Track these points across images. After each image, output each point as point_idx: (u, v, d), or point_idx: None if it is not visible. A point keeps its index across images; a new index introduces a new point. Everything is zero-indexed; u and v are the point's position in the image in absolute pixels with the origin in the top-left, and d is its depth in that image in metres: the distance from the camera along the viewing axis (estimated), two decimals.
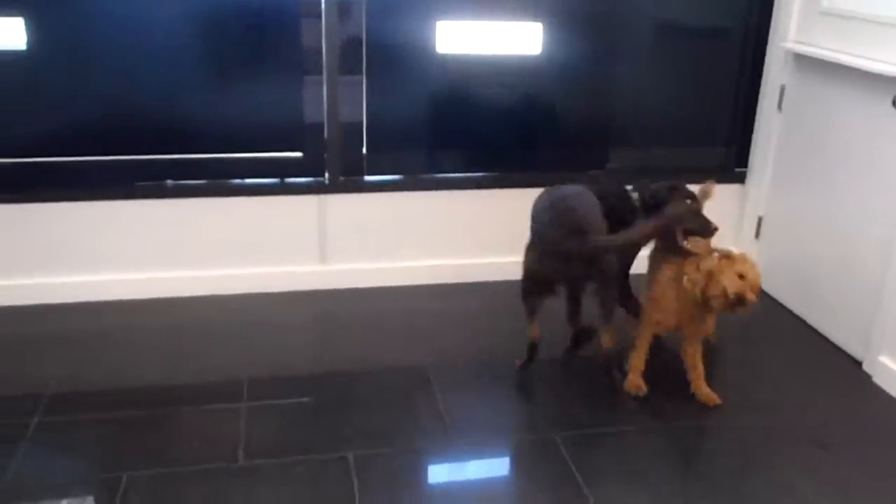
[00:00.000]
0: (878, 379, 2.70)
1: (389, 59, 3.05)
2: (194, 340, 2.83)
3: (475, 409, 2.49)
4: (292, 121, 3.04)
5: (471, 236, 3.28)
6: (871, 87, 2.71)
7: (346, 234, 3.18)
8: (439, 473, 2.25)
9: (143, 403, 2.44)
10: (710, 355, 2.76)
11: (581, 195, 2.47)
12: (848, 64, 2.74)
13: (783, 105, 3.20)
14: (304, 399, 2.49)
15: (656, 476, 2.22)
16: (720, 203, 2.91)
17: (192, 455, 2.21)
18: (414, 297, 3.20)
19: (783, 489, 2.18)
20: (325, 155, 3.08)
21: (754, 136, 3.38)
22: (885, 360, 2.68)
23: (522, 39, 3.11)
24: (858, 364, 2.82)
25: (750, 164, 3.40)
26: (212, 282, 3.10)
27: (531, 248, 2.52)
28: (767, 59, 3.27)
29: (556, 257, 2.42)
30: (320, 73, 2.98)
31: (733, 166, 3.46)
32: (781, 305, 3.21)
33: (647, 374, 2.62)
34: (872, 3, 2.73)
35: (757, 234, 3.38)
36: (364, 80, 3.03)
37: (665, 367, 2.70)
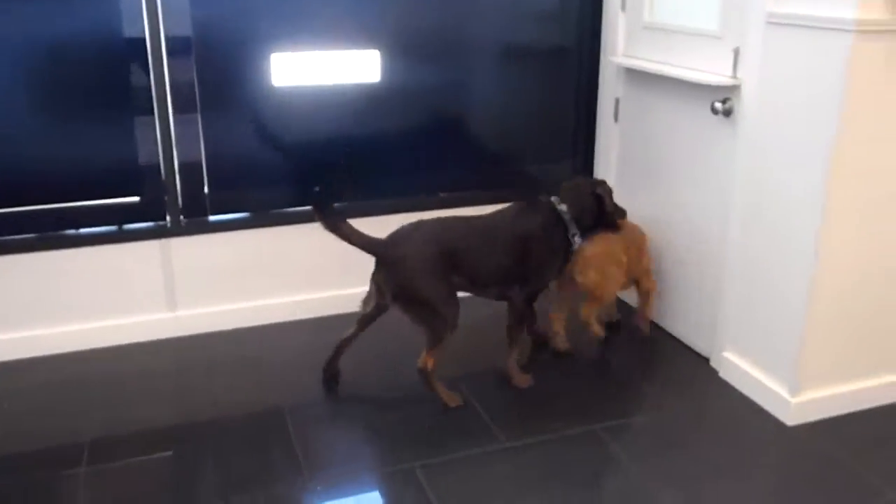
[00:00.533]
0: (724, 374, 2.81)
1: (224, 94, 2.97)
2: (30, 403, 2.65)
3: (331, 446, 2.44)
4: (126, 164, 2.91)
5: (322, 270, 3.22)
6: (692, 96, 2.84)
7: (193, 277, 3.06)
8: None
9: None
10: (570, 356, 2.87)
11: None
12: (668, 74, 2.86)
13: (619, 116, 3.31)
14: (151, 456, 2.38)
15: (514, 495, 2.22)
16: None
17: None
18: (269, 336, 3.11)
19: (640, 495, 2.23)
20: (165, 197, 2.97)
21: (596, 147, 3.48)
22: (728, 355, 2.79)
23: (360, 68, 3.10)
24: (706, 360, 2.93)
25: (595, 174, 3.50)
26: (50, 340, 2.92)
27: None
28: (602, 73, 3.38)
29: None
30: (152, 112, 2.88)
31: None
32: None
33: (496, 392, 2.65)
34: (688, 16, 2.87)
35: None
36: (199, 118, 2.95)
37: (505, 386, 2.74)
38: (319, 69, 3.05)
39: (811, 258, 2.39)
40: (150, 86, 2.84)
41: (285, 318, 3.19)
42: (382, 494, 2.25)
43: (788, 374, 2.53)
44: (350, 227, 2.56)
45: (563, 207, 2.70)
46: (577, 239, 2.72)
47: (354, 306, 3.16)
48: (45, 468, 2.31)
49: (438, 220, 2.64)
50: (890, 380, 2.63)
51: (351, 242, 2.55)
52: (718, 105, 2.68)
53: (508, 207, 2.75)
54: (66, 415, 2.58)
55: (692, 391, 2.77)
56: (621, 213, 2.88)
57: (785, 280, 2.51)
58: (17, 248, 2.83)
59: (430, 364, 2.58)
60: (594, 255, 2.82)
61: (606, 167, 3.40)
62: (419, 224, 2.62)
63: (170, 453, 2.40)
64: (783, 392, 2.55)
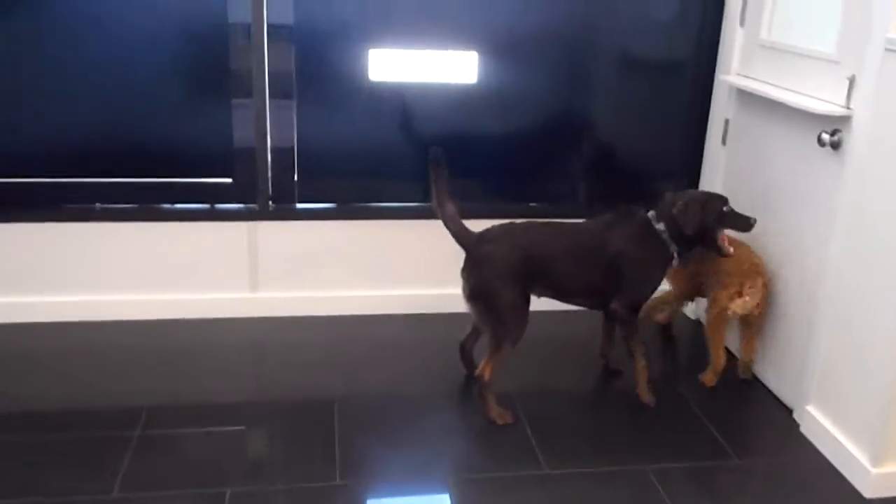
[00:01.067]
0: (805, 429, 2.57)
1: (321, 84, 3.01)
2: (103, 364, 2.80)
3: (370, 447, 2.42)
4: (222, 146, 3.01)
5: (404, 267, 3.22)
6: (801, 124, 2.61)
7: (277, 261, 3.14)
8: None
9: (37, 427, 2.42)
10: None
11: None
12: (776, 98, 2.64)
13: (727, 139, 3.09)
14: (200, 429, 2.45)
15: None
16: None
17: (65, 485, 2.17)
18: (342, 328, 3.14)
19: None
20: (256, 181, 3.05)
21: (702, 170, 3.27)
22: (812, 409, 2.55)
23: (458, 68, 3.06)
24: (789, 412, 2.69)
25: None
26: (139, 306, 3.08)
27: None
28: (714, 92, 3.17)
29: None
30: (250, 96, 2.96)
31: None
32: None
33: (551, 415, 2.58)
34: (806, 36, 2.64)
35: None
36: (294, 106, 3.01)
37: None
38: (416, 67, 3.04)
39: None
40: (250, 70, 2.93)
41: (361, 312, 3.21)
42: (407, 502, 2.21)
43: (871, 441, 2.28)
44: (455, 207, 2.57)
45: (660, 226, 2.60)
46: (676, 256, 2.63)
47: (431, 307, 3.19)
48: (100, 428, 2.43)
49: (529, 224, 2.60)
50: None
51: (446, 222, 2.56)
52: (826, 136, 2.44)
53: (602, 218, 2.66)
54: (133, 379, 2.71)
55: (766, 443, 2.55)
56: (740, 221, 2.65)
57: (875, 336, 2.25)
58: (117, 216, 3.01)
59: (487, 373, 2.51)
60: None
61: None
62: (510, 227, 2.59)
63: (218, 429, 2.46)
64: (864, 460, 2.30)
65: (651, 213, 2.64)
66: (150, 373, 2.76)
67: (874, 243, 2.27)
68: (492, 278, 2.49)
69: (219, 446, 2.38)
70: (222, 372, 2.80)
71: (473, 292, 2.52)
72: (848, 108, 2.38)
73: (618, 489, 2.27)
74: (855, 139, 2.34)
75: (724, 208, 2.63)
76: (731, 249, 2.65)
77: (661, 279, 2.71)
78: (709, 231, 2.61)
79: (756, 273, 2.71)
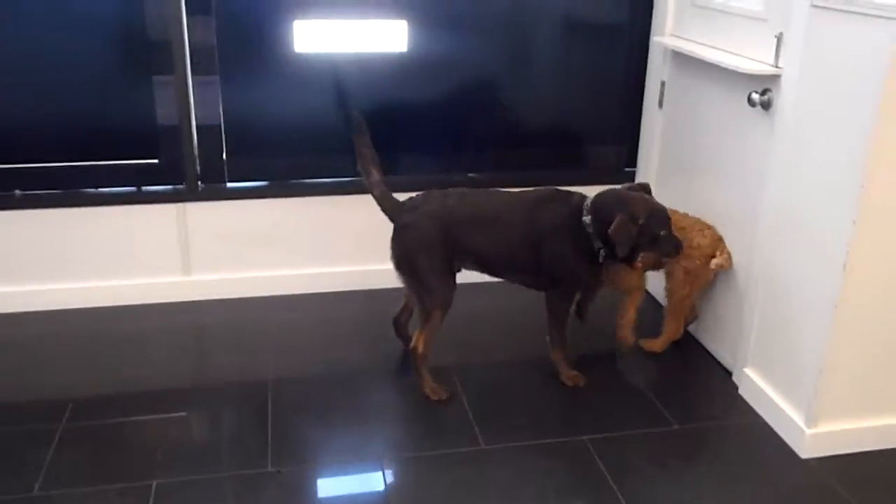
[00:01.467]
0: (744, 391, 2.56)
1: (245, 58, 2.91)
2: (29, 356, 2.71)
3: (304, 429, 2.36)
4: (145, 125, 2.90)
5: (340, 244, 3.15)
6: (732, 84, 2.57)
7: (209, 243, 3.05)
8: (260, 495, 2.13)
9: None
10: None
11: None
12: (706, 59, 2.60)
13: (663, 102, 3.05)
14: (129, 418, 2.38)
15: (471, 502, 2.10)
16: None
17: None
18: (278, 308, 3.07)
19: None
20: (183, 160, 2.95)
21: (640, 134, 3.23)
22: (749, 372, 2.54)
23: (387, 37, 2.97)
24: (729, 375, 2.68)
25: (638, 162, 3.26)
26: (66, 295, 2.97)
27: None
28: (650, 55, 3.12)
29: None
30: (171, 73, 2.85)
31: (623, 167, 3.32)
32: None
33: (490, 389, 2.53)
34: None
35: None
36: (219, 81, 2.90)
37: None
38: (343, 37, 2.94)
39: (838, 273, 2.11)
40: (169, 45, 2.81)
41: (297, 291, 3.14)
42: (341, 486, 2.17)
43: (806, 402, 2.27)
44: (380, 175, 2.51)
45: (587, 219, 2.40)
46: (602, 253, 2.43)
47: (367, 283, 3.13)
48: (22, 423, 2.34)
49: (457, 193, 2.49)
50: None
51: (371, 190, 2.51)
52: (756, 96, 2.41)
53: (538, 194, 2.51)
54: (59, 370, 2.63)
55: (705, 407, 2.55)
56: (670, 247, 2.45)
57: (810, 295, 2.24)
58: (38, 203, 2.89)
59: (420, 345, 2.47)
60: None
61: (648, 156, 3.16)
62: (433, 195, 2.49)
63: (146, 418, 2.39)
64: (799, 421, 2.30)
65: (586, 203, 2.43)
66: (77, 363, 2.67)
67: (804, 206, 2.25)
68: (414, 246, 2.43)
69: (146, 436, 2.31)
70: (153, 359, 2.72)
71: (398, 261, 2.47)
72: (777, 66, 2.34)
73: (554, 461, 2.24)
74: (784, 99, 2.31)
75: (662, 232, 2.40)
76: (640, 265, 2.51)
77: (585, 273, 2.52)
78: (636, 250, 2.41)
79: (719, 241, 2.67)
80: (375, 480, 2.17)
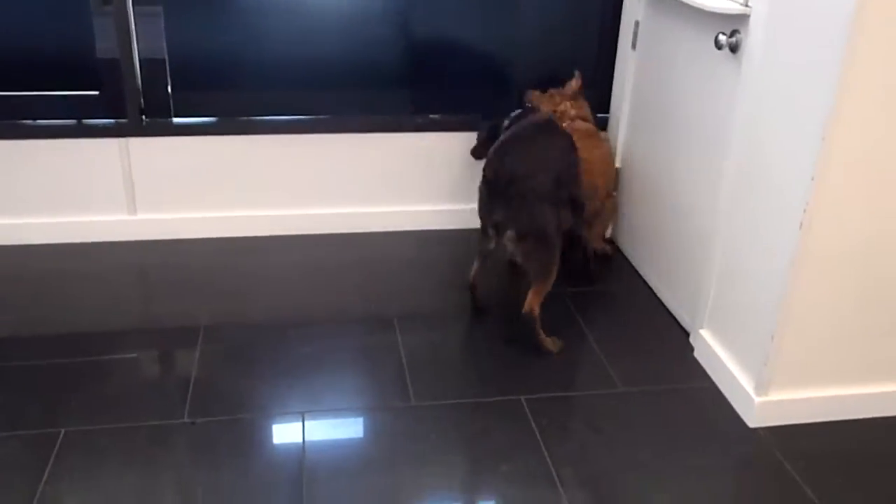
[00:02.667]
0: (699, 354, 2.43)
1: None
2: None
3: (229, 380, 2.26)
4: (84, 55, 2.75)
5: (293, 185, 3.00)
6: (702, 25, 2.37)
7: (154, 180, 2.92)
8: (170, 448, 2.04)
9: None
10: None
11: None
12: None
13: (637, 43, 2.85)
14: (52, 361, 2.29)
15: (386, 461, 1.99)
16: None
17: None
18: (225, 250, 2.94)
19: (540, 480, 1.95)
20: (124, 93, 2.80)
21: (614, 76, 3.04)
22: (705, 333, 2.40)
23: None
24: (686, 335, 2.55)
25: (611, 106, 3.07)
26: (6, 230, 2.86)
27: None
28: None
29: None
30: (110, 2, 2.68)
31: (598, 112, 3.13)
32: (631, 266, 2.93)
33: (429, 343, 2.43)
34: None
35: (615, 187, 3.08)
36: (161, 11, 2.74)
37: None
38: None
39: (795, 231, 1.95)
40: None
41: (243, 234, 3.01)
42: (256, 439, 2.06)
43: (756, 369, 2.14)
44: None
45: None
46: None
47: (314, 227, 3.01)
48: None
49: (539, 131, 2.49)
50: (871, 390, 2.18)
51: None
52: (723, 38, 2.22)
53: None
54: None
55: (653, 369, 2.40)
56: None
57: (766, 255, 2.09)
58: None
59: (536, 308, 2.36)
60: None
61: (620, 101, 2.97)
62: (520, 145, 2.42)
63: (69, 360, 2.29)
64: (749, 388, 2.16)
65: None
66: (8, 301, 2.58)
67: (766, 159, 2.07)
68: (541, 212, 2.31)
69: (64, 381, 2.21)
70: (87, 300, 2.61)
71: (524, 233, 2.31)
72: (746, 6, 2.15)
73: (486, 422, 2.13)
74: (752, 41, 2.12)
75: None
76: None
77: None
78: None
79: None
80: (293, 433, 2.07)
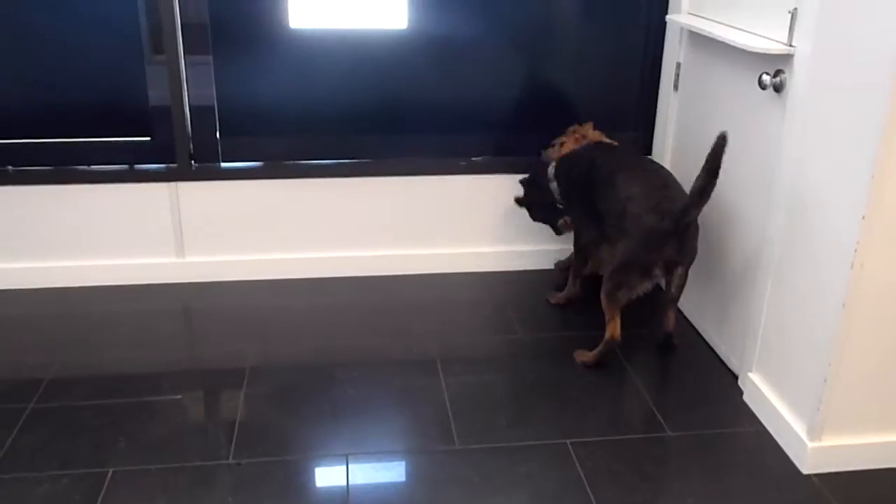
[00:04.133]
0: (748, 398, 2.38)
1: (238, 36, 2.82)
2: (20, 335, 2.68)
3: (272, 421, 2.27)
4: (138, 104, 2.84)
5: (337, 228, 3.04)
6: (744, 65, 2.37)
7: (202, 224, 2.98)
8: (214, 489, 2.04)
9: None
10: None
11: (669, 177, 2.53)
12: (718, 38, 2.40)
13: (679, 84, 2.86)
14: (101, 402, 2.32)
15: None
16: None
17: None
18: (268, 293, 2.98)
19: None
20: (175, 140, 2.87)
21: (656, 119, 3.04)
22: (754, 377, 2.35)
23: (385, 13, 2.84)
24: (734, 378, 2.50)
25: (653, 148, 3.07)
26: (57, 273, 2.94)
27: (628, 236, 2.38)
28: (667, 34, 2.92)
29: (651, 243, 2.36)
30: (162, 52, 2.77)
31: (640, 153, 3.13)
32: (678, 310, 2.89)
33: (472, 384, 2.41)
34: None
35: None
36: (212, 60, 2.82)
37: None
38: (339, 12, 2.82)
39: (846, 271, 1.91)
40: (160, 25, 2.73)
41: (288, 276, 3.05)
42: (300, 480, 2.06)
43: (809, 413, 2.08)
44: None
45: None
46: None
47: (357, 270, 3.03)
48: None
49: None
50: None
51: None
52: (767, 78, 2.21)
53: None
54: (41, 349, 2.58)
55: (702, 414, 2.35)
56: None
57: (817, 296, 2.04)
58: (30, 179, 2.86)
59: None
60: None
61: (664, 142, 2.97)
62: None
63: (116, 401, 2.32)
64: (801, 433, 2.11)
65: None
66: (58, 343, 2.63)
67: (814, 199, 2.05)
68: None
69: (112, 421, 2.24)
70: (136, 342, 2.65)
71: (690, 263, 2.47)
72: (790, 45, 2.14)
73: (531, 465, 2.10)
74: (796, 81, 2.11)
75: None
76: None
77: None
78: None
79: None
80: (337, 477, 2.06)
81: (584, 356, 2.54)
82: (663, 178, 2.47)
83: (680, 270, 2.46)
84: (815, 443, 2.07)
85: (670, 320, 2.59)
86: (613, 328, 2.45)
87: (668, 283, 2.49)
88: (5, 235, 2.90)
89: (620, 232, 2.38)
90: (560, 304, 2.88)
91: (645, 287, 2.39)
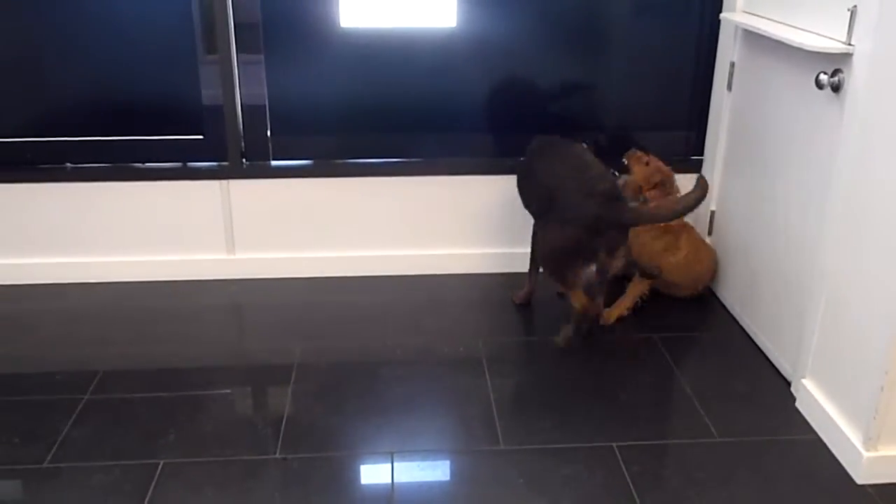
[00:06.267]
0: (801, 404, 2.32)
1: (289, 35, 2.85)
2: (76, 328, 2.74)
3: (319, 418, 2.28)
4: (191, 103, 2.88)
5: (386, 227, 3.06)
6: (800, 64, 2.32)
7: (253, 221, 3.02)
8: (261, 483, 2.07)
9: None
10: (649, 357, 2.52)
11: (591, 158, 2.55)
12: (774, 36, 2.35)
13: (732, 84, 2.80)
14: (153, 394, 2.37)
15: None
16: None
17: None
18: (318, 290, 3.01)
19: None
20: (227, 138, 2.92)
21: (709, 119, 2.99)
22: (808, 383, 2.30)
23: (435, 11, 2.84)
24: (787, 384, 2.44)
25: (705, 149, 3.02)
26: (111, 268, 3.01)
27: (557, 222, 2.43)
28: (721, 33, 2.87)
29: (590, 229, 2.38)
30: (215, 52, 2.82)
31: (691, 154, 3.08)
32: (727, 312, 2.85)
33: (517, 384, 2.41)
34: None
35: (710, 231, 3.01)
36: (264, 59, 2.85)
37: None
38: (390, 11, 2.83)
39: None
40: (213, 24, 2.77)
41: (338, 273, 3.07)
42: (345, 477, 2.07)
43: (865, 422, 2.03)
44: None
45: None
46: None
47: (411, 268, 3.04)
48: (48, 392, 2.37)
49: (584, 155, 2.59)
50: None
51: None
52: (824, 78, 2.16)
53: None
54: (95, 342, 2.65)
55: (753, 419, 2.30)
56: None
57: (875, 301, 1.99)
58: (87, 176, 2.93)
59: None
60: None
61: (715, 143, 2.92)
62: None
63: (168, 395, 2.37)
64: (857, 442, 2.05)
65: None
66: (112, 336, 2.69)
67: (873, 203, 1.99)
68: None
69: (164, 413, 2.29)
70: (187, 336, 2.71)
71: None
72: (849, 44, 2.08)
73: (577, 468, 2.07)
74: (855, 81, 2.05)
75: None
76: None
77: None
78: None
79: None
80: (382, 473, 2.07)
81: (563, 338, 2.58)
82: (582, 159, 2.53)
83: (617, 253, 2.44)
84: (870, 452, 2.02)
85: (600, 305, 2.59)
86: (577, 298, 2.49)
87: (603, 268, 2.46)
88: (62, 231, 2.97)
89: (553, 218, 2.45)
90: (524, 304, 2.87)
91: (588, 272, 2.44)
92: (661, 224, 2.77)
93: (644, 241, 2.78)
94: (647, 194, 2.80)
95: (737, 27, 2.72)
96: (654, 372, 2.51)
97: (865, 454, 2.02)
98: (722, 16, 2.77)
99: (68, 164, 2.93)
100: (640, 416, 2.30)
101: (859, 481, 2.04)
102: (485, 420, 2.26)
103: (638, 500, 1.96)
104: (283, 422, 2.25)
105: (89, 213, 2.96)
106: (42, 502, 1.96)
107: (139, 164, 2.95)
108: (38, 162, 2.92)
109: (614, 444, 2.16)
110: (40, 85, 2.85)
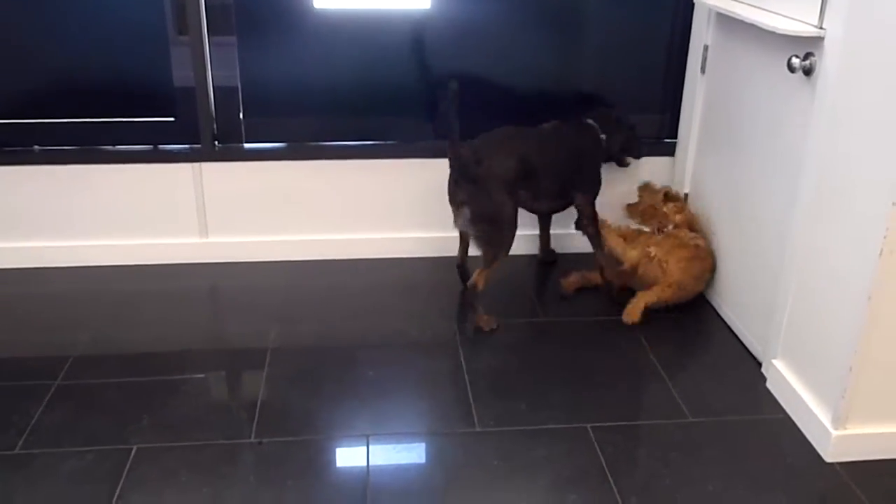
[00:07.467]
0: (771, 385, 2.36)
1: (262, 16, 2.81)
2: (46, 313, 2.72)
3: (292, 402, 2.28)
4: (162, 85, 2.85)
5: (360, 210, 3.04)
6: (773, 48, 2.33)
7: (226, 204, 2.99)
8: (236, 467, 2.06)
9: None
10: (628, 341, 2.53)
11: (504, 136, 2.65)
12: (746, 19, 2.36)
13: (706, 67, 2.82)
14: (125, 379, 2.35)
15: (450, 488, 1.98)
16: (653, 179, 3.03)
17: None
18: (291, 274, 2.99)
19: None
20: (199, 120, 2.88)
21: (683, 102, 3.00)
22: (778, 364, 2.33)
23: None
24: (758, 365, 2.48)
25: (679, 131, 3.03)
26: (82, 252, 2.97)
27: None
28: (694, 16, 2.88)
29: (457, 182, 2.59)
30: (186, 32, 2.77)
31: (664, 136, 3.10)
32: (701, 296, 2.87)
33: (491, 363, 2.41)
34: None
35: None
36: (236, 40, 2.82)
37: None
38: None
39: (874, 258, 1.89)
40: (184, 5, 2.73)
41: (312, 257, 3.06)
42: (320, 460, 2.07)
43: (833, 401, 2.06)
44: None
45: (602, 136, 2.83)
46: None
47: (384, 252, 3.03)
48: (17, 378, 2.34)
49: (516, 130, 2.66)
50: None
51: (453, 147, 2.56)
52: (796, 61, 2.17)
53: (560, 124, 2.78)
54: (66, 327, 2.62)
55: (724, 399, 2.33)
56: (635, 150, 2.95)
57: (843, 282, 2.02)
58: (56, 159, 2.88)
59: (481, 283, 2.60)
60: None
61: (689, 126, 2.93)
62: (497, 134, 2.63)
63: (140, 379, 2.35)
64: (826, 421, 2.09)
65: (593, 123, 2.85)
66: (85, 321, 2.66)
67: (843, 185, 2.02)
68: (496, 195, 2.53)
69: (137, 398, 2.27)
70: (160, 320, 2.68)
71: (478, 215, 2.54)
72: (820, 28, 2.10)
73: (552, 449, 2.09)
74: (827, 64, 2.07)
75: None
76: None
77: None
78: None
79: None
80: (358, 456, 2.07)
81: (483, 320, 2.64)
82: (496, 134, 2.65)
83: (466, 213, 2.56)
84: (838, 431, 2.06)
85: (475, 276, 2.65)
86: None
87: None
88: (31, 214, 2.93)
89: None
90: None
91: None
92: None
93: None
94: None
95: (710, 10, 2.73)
96: (627, 354, 2.53)
97: (834, 433, 2.06)
98: None
99: (36, 147, 2.88)
100: (613, 398, 2.32)
101: (828, 459, 2.08)
102: (460, 402, 2.27)
103: (612, 480, 1.99)
104: (258, 406, 2.24)
105: (58, 196, 2.91)
106: (14, 489, 1.94)
107: (109, 147, 2.91)
108: (5, 144, 2.87)
109: (588, 426, 2.18)
110: (7, 65, 2.79)
